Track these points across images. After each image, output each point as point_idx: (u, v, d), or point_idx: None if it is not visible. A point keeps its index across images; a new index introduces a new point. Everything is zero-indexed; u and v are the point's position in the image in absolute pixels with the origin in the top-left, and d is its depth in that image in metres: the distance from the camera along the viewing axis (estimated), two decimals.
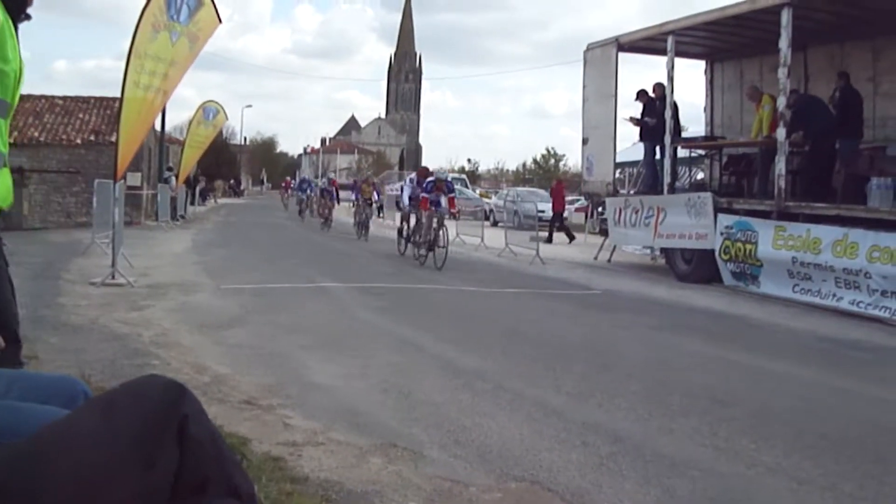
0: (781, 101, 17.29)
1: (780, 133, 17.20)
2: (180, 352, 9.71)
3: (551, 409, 7.83)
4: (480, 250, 26.80)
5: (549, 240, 31.99)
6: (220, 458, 2.68)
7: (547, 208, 37.26)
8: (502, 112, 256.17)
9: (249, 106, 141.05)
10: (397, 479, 5.74)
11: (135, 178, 32.46)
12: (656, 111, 21.12)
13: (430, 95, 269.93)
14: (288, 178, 78.97)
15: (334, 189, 40.27)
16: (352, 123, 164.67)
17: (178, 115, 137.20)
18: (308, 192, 50.12)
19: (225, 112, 43.87)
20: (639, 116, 22.30)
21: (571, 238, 33.61)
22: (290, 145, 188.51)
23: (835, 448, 6.97)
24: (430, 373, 9.20)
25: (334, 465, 5.96)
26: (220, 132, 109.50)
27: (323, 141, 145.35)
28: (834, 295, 14.28)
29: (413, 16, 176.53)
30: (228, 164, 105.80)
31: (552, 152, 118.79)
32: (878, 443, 7.28)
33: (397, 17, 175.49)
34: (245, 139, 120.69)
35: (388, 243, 27.42)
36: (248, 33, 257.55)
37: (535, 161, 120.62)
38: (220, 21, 17.45)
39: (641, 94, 22.16)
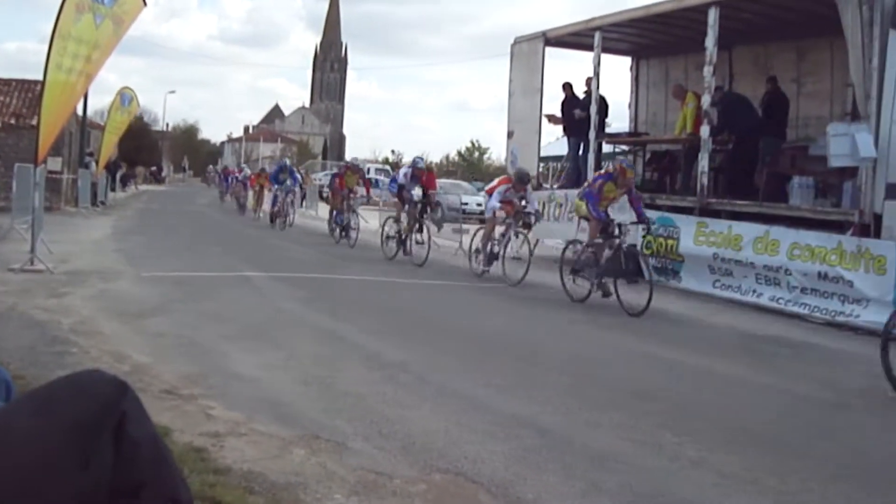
0: (706, 100, 17.43)
1: (704, 131, 17.36)
2: (100, 340, 9.57)
3: (476, 401, 7.83)
4: None
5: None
6: (158, 461, 2.59)
7: (472, 201, 37.33)
8: (427, 104, 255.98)
9: (173, 92, 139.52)
10: (321, 471, 5.71)
11: (55, 163, 31.91)
12: (581, 105, 21.20)
13: (355, 86, 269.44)
14: (232, 168, 64.48)
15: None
16: (276, 112, 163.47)
17: (100, 100, 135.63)
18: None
19: (138, 100, 43.57)
20: (558, 113, 22.41)
21: None
22: (213, 132, 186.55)
23: (757, 442, 7.05)
24: (354, 364, 9.16)
25: (257, 456, 5.92)
26: (142, 117, 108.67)
27: (246, 129, 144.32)
28: (754, 291, 14.45)
29: (340, 5, 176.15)
30: (150, 150, 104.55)
31: (476, 145, 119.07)
32: (799, 437, 7.39)
33: (325, 6, 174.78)
34: (167, 125, 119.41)
35: (315, 235, 27.33)
36: (173, 18, 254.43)
37: (459, 153, 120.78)
38: (144, 4, 17.24)
39: (566, 87, 22.25)
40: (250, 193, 40.15)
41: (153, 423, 2.73)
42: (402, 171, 22.24)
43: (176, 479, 2.69)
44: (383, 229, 21.78)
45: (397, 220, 21.13)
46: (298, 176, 35.40)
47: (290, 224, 30.54)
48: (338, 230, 25.18)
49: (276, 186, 31.70)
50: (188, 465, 5.24)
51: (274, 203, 31.07)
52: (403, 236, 20.75)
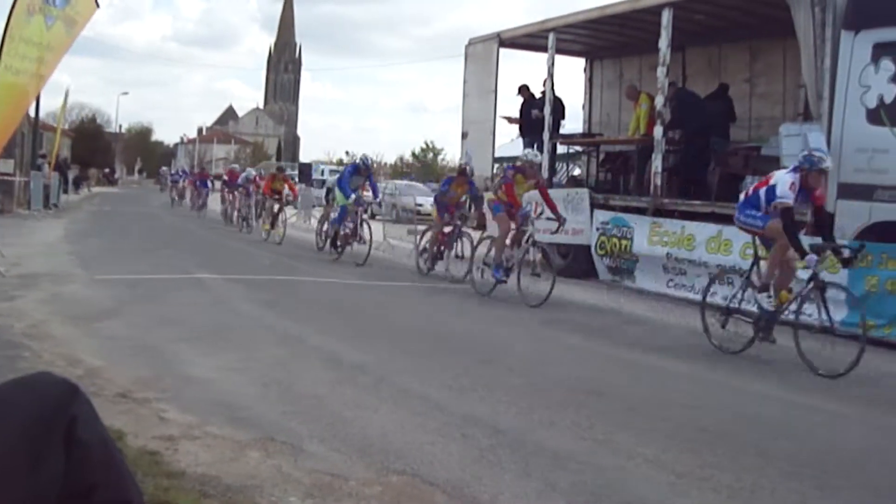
0: (659, 100, 17.52)
1: (657, 131, 17.44)
2: (53, 343, 9.45)
3: (432, 402, 7.84)
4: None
5: None
6: (109, 464, 2.57)
7: (426, 201, 37.29)
8: (382, 105, 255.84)
9: (126, 93, 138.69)
10: (276, 474, 5.69)
11: (7, 165, 31.70)
12: (538, 106, 21.25)
13: (310, 87, 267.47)
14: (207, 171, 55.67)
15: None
16: (229, 113, 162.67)
17: (52, 102, 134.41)
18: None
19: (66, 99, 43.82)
20: (517, 115, 22.47)
21: None
22: (167, 134, 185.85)
23: (712, 440, 7.09)
24: (311, 366, 9.14)
25: (211, 459, 5.88)
26: (94, 119, 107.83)
27: (199, 130, 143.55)
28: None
29: (294, 6, 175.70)
30: (103, 152, 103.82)
31: (431, 146, 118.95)
32: (754, 435, 7.43)
33: (279, 7, 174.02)
34: (121, 127, 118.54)
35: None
36: (128, 19, 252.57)
37: (413, 154, 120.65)
38: (97, 6, 17.13)
39: (523, 89, 22.29)
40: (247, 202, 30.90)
41: (105, 425, 2.70)
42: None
43: (128, 482, 2.66)
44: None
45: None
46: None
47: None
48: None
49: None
50: (142, 469, 5.20)
51: (341, 220, 20.88)
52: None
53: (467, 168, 19.49)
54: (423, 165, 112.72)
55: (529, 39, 22.29)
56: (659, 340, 12.32)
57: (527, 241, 15.79)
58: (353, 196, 20.21)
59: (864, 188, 13.27)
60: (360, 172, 21.11)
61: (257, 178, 32.12)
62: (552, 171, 21.44)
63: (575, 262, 19.06)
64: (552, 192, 19.46)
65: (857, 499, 5.98)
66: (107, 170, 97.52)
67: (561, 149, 23.50)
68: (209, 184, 44.20)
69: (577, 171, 25.97)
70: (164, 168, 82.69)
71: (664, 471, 6.23)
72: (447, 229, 18.52)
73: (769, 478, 6.18)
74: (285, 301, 14.07)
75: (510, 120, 23.12)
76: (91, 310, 11.83)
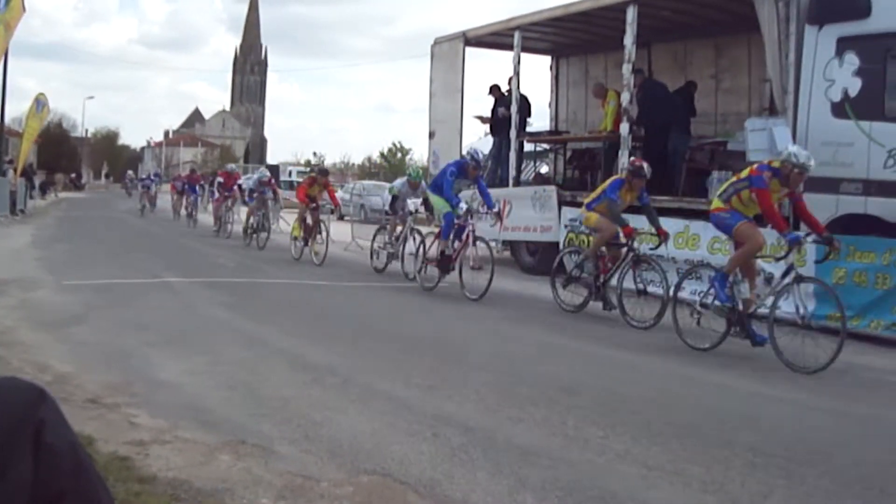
0: (625, 97, 17.56)
1: (624, 128, 17.48)
2: (22, 350, 9.41)
3: (402, 402, 7.83)
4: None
5: None
6: (78, 469, 2.54)
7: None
8: (349, 106, 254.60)
9: (92, 97, 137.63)
10: (247, 476, 5.68)
11: None
12: (506, 104, 21.26)
13: (276, 88, 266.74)
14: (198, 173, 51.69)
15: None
16: (196, 116, 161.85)
17: (18, 107, 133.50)
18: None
19: (49, 105, 43.15)
20: (489, 114, 22.50)
21: None
22: (133, 138, 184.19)
23: (682, 434, 7.13)
24: (279, 368, 9.12)
25: (182, 463, 5.87)
26: (60, 124, 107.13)
27: (166, 133, 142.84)
28: (677, 285, 14.56)
29: (260, 7, 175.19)
30: (69, 157, 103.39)
31: (399, 146, 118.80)
32: (723, 428, 7.47)
33: (245, 9, 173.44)
34: (87, 131, 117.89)
35: (235, 238, 27.17)
36: (94, 22, 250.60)
37: (381, 155, 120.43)
38: (24, 9, 17.11)
39: (494, 89, 22.29)
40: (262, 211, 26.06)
41: (73, 430, 2.68)
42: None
43: (98, 487, 2.64)
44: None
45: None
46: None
47: None
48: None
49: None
50: (113, 475, 5.19)
51: (448, 234, 16.46)
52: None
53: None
54: (391, 166, 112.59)
55: (495, 38, 22.29)
56: (628, 336, 12.37)
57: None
58: (462, 205, 16.13)
59: (829, 181, 13.34)
60: (466, 173, 16.53)
61: (271, 181, 28.27)
62: (519, 169, 21.42)
63: (543, 260, 19.09)
64: (520, 190, 19.56)
65: (824, 488, 6.01)
66: (73, 175, 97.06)
67: (528, 147, 23.51)
68: (199, 189, 40.45)
69: (544, 169, 25.99)
70: (130, 172, 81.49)
71: (635, 465, 6.26)
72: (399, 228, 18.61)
73: (738, 469, 6.22)
74: (251, 303, 14.06)
75: (483, 119, 23.15)
76: (60, 315, 11.78)
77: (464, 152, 23.11)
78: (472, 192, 16.98)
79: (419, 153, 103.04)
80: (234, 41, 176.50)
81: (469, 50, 22.50)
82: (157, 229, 33.19)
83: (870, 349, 11.77)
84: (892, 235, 12.55)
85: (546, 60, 25.14)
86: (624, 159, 17.31)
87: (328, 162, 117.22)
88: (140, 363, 9.06)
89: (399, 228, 18.91)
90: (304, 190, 22.24)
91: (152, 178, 49.02)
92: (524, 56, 21.31)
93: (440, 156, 22.86)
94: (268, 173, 29.75)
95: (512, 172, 20.80)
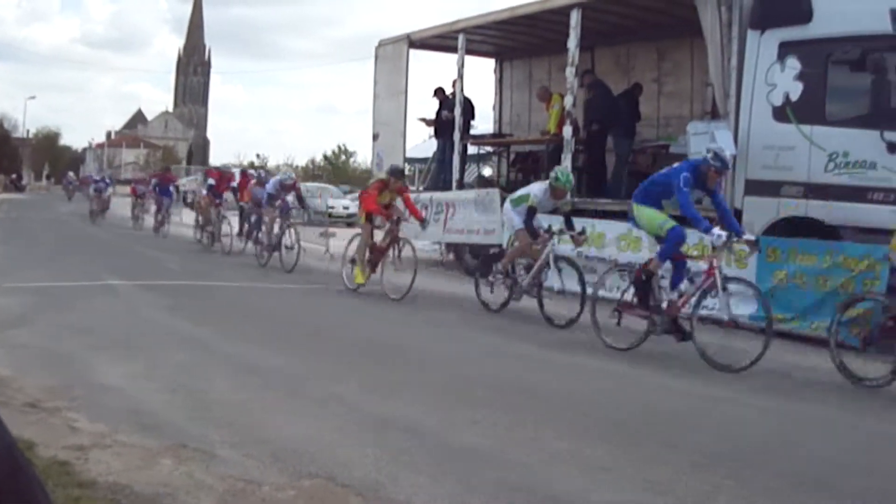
0: (568, 100, 17.60)
1: (567, 131, 17.52)
2: None
3: (346, 404, 7.82)
4: None
5: None
6: (15, 474, 2.48)
7: (338, 204, 37.29)
8: (293, 107, 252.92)
9: (33, 97, 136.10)
10: (188, 481, 5.64)
11: None
12: (449, 107, 21.25)
13: (220, 89, 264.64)
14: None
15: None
16: (138, 117, 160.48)
17: None
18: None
19: None
20: (433, 116, 22.49)
21: None
22: (75, 139, 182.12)
23: (628, 435, 7.20)
24: (222, 371, 9.05)
25: (123, 467, 5.81)
26: (1, 124, 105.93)
27: (108, 135, 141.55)
28: (618, 287, 14.60)
29: (204, 8, 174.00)
30: (10, 157, 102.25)
31: (343, 148, 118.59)
32: (668, 429, 7.56)
33: (189, 9, 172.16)
34: (28, 132, 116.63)
35: (180, 241, 27.01)
36: (35, 21, 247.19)
37: (325, 157, 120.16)
38: None
39: (438, 92, 22.29)
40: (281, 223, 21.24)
41: (12, 434, 2.62)
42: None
43: (36, 492, 2.58)
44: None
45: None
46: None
47: None
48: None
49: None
50: (52, 479, 5.14)
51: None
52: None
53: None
54: (335, 168, 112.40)
55: (439, 40, 22.28)
56: (570, 337, 12.39)
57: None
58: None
59: (771, 185, 13.47)
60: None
61: (296, 184, 22.82)
62: (462, 172, 21.42)
63: (487, 262, 19.13)
64: (463, 193, 19.57)
65: (769, 487, 6.07)
66: (14, 176, 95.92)
67: (472, 150, 23.52)
68: (173, 192, 34.86)
69: (487, 172, 26.02)
70: (71, 173, 79.90)
71: (581, 465, 6.29)
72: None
73: (684, 470, 6.27)
74: (195, 306, 13.95)
75: (427, 122, 23.12)
76: None
77: (408, 154, 23.16)
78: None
79: (364, 156, 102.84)
80: (179, 42, 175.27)
81: (413, 52, 22.47)
82: (102, 234, 32.79)
83: (813, 350, 11.86)
84: (832, 238, 12.67)
85: (490, 63, 25.16)
86: (567, 162, 17.35)
87: (271, 163, 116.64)
88: (81, 367, 8.97)
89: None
90: (375, 197, 16.78)
91: (107, 180, 44.60)
92: (468, 59, 21.35)
93: (384, 158, 22.82)
94: (292, 175, 25.15)
95: (455, 175, 20.78)
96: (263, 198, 21.98)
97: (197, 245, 25.04)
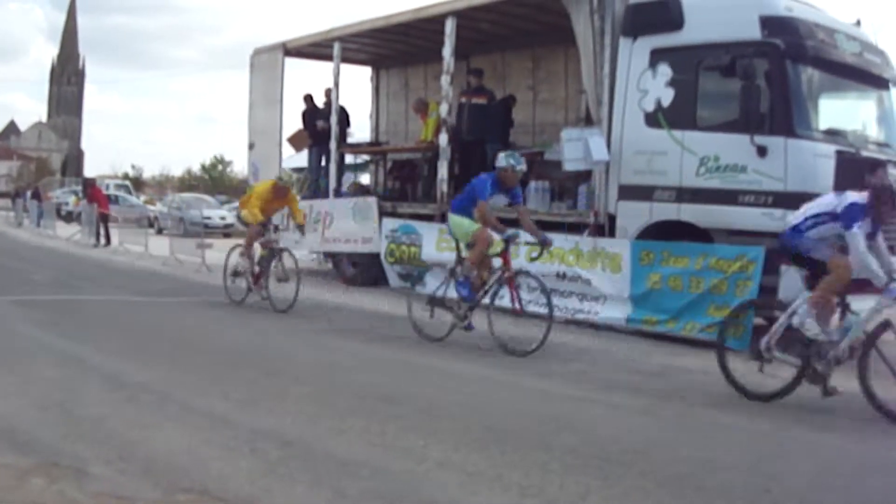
0: (444, 108, 17.64)
1: (443, 139, 17.56)
2: None
3: (219, 417, 7.72)
4: (145, 259, 25.89)
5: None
6: None
7: (214, 215, 36.99)
8: (170, 117, 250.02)
9: None
10: (60, 499, 5.56)
11: None
12: (324, 116, 21.18)
13: (97, 99, 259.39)
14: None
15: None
16: (11, 128, 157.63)
17: None
18: None
19: None
20: (300, 123, 22.42)
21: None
22: None
23: (501, 439, 7.19)
24: (93, 386, 8.84)
25: None
26: None
27: None
28: (497, 293, 14.66)
29: (78, 17, 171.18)
30: None
31: (220, 159, 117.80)
32: (541, 432, 7.57)
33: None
34: None
35: (53, 254, 26.49)
36: None
37: (202, 167, 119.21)
38: None
39: (307, 98, 22.27)
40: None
41: None
42: None
43: None
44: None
45: None
46: None
47: None
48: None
49: None
50: None
51: None
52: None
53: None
54: (212, 178, 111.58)
55: (315, 48, 22.19)
56: (448, 344, 12.39)
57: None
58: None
59: (644, 189, 13.66)
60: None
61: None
62: (340, 180, 21.35)
63: (365, 271, 19.11)
64: (340, 202, 19.53)
65: (640, 486, 6.14)
66: None
67: (349, 158, 23.48)
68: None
69: (365, 180, 25.97)
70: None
71: (455, 471, 6.29)
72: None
73: (556, 472, 6.31)
74: (66, 321, 13.57)
75: (295, 145, 23.07)
76: None
77: (283, 165, 23.03)
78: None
79: (241, 165, 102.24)
80: (54, 51, 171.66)
81: (289, 60, 22.34)
82: None
83: (686, 351, 12.06)
84: (704, 241, 12.89)
85: (367, 71, 25.16)
86: (443, 170, 17.40)
87: (146, 174, 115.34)
88: None
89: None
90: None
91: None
92: (344, 67, 21.34)
93: (260, 167, 22.67)
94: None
95: (332, 184, 20.71)
96: None
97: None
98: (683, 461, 6.83)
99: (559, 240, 14.20)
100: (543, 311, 12.12)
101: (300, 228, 16.83)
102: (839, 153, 12.35)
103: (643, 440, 7.48)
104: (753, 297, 11.89)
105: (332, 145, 20.74)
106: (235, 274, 16.48)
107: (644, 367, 10.41)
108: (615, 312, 13.60)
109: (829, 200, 9.29)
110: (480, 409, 8.39)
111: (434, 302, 12.96)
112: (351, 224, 19.19)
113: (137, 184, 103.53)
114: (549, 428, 7.70)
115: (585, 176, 15.03)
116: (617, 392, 9.47)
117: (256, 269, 16.15)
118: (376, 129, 24.86)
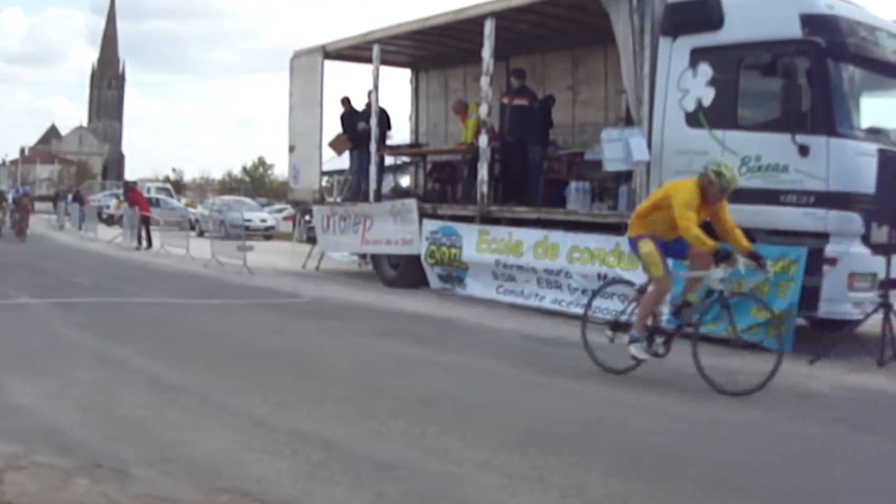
0: (483, 110, 17.61)
1: (483, 140, 17.53)
2: None
3: (259, 419, 7.71)
4: (186, 261, 26.03)
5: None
6: None
7: (255, 217, 37.07)
8: (210, 121, 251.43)
9: None
10: (104, 500, 5.54)
11: None
12: (365, 118, 21.18)
13: (136, 103, 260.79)
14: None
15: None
16: (52, 132, 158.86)
17: None
18: None
19: None
20: (339, 126, 22.45)
21: None
22: None
23: (541, 442, 7.16)
24: (135, 389, 8.84)
25: (38, 489, 5.70)
26: None
27: (22, 151, 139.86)
28: (537, 294, 14.69)
29: (118, 22, 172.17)
30: None
31: (261, 161, 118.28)
32: (579, 434, 7.55)
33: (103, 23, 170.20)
34: None
35: (94, 257, 26.62)
36: None
37: (244, 169, 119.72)
38: None
39: (345, 101, 22.29)
40: None
41: None
42: None
43: None
44: None
45: None
46: None
47: None
48: None
49: None
50: None
51: None
52: None
53: None
54: (253, 181, 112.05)
55: (354, 51, 22.21)
56: (488, 346, 12.38)
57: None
58: None
59: None
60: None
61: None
62: (380, 182, 21.35)
63: (405, 273, 19.09)
64: (380, 204, 19.55)
65: (681, 489, 6.11)
66: None
67: (389, 160, 23.48)
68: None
69: (404, 182, 26.00)
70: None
71: (495, 474, 6.26)
72: None
73: (597, 474, 6.28)
74: (107, 323, 13.61)
75: (337, 148, 23.07)
76: None
77: (324, 167, 23.07)
78: None
79: (282, 168, 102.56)
80: (95, 55, 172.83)
81: (329, 63, 22.37)
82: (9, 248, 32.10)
83: (726, 352, 11.92)
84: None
85: (406, 73, 25.16)
86: (483, 171, 17.37)
87: (187, 177, 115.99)
88: None
89: None
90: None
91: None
92: (383, 69, 21.34)
93: (300, 170, 22.75)
94: None
95: (372, 186, 20.72)
96: None
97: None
98: (725, 465, 6.78)
99: (600, 241, 14.15)
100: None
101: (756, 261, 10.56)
102: (881, 151, 12.24)
103: (682, 442, 7.48)
104: (795, 299, 11.79)
105: (373, 148, 20.74)
106: None
107: (683, 368, 10.28)
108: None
109: None
110: (520, 411, 8.37)
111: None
112: (391, 226, 19.19)
113: (178, 186, 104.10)
114: (589, 430, 7.68)
115: (626, 176, 14.95)
116: (655, 393, 9.44)
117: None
118: (416, 130, 24.89)
